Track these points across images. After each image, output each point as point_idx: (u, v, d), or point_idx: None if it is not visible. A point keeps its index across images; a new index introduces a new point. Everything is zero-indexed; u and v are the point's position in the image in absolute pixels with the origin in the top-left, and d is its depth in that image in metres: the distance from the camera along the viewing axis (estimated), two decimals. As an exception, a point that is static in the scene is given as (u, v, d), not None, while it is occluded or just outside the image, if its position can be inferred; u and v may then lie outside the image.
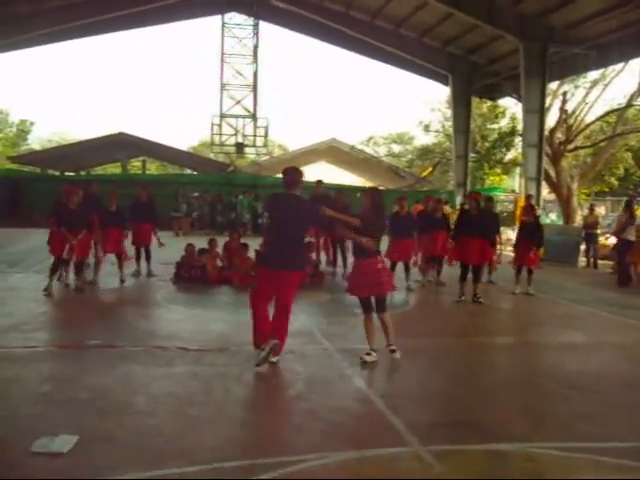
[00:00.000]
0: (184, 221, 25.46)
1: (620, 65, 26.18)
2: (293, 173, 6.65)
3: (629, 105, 28.36)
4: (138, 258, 12.60)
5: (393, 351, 6.78)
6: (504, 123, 36.04)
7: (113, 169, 44.84)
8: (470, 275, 10.71)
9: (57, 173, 36.85)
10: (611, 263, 16.74)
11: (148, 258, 12.63)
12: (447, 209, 21.57)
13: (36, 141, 58.77)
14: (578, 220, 25.61)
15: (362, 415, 5.13)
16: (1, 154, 47.32)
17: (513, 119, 34.33)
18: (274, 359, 6.27)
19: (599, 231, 18.39)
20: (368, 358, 6.60)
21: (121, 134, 34.57)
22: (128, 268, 12.14)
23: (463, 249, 10.75)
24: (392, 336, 6.80)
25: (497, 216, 13.21)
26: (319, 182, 14.76)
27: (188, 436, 4.48)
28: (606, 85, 28.25)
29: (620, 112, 28.75)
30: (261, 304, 6.45)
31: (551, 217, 29.81)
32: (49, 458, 4.03)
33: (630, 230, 14.05)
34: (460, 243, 10.84)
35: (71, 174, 37.46)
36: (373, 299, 6.76)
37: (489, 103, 34.39)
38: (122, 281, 11.47)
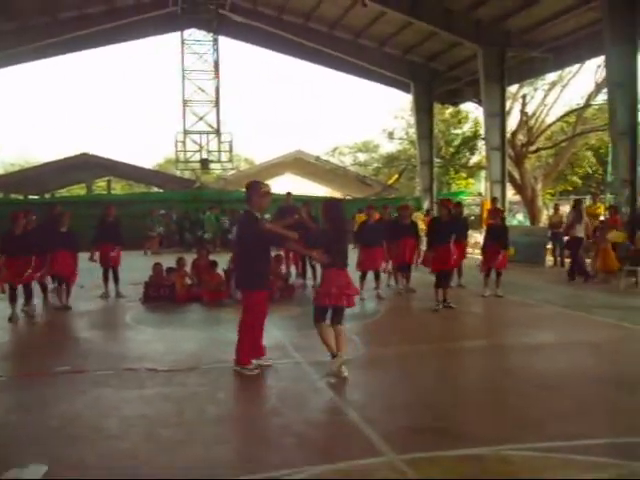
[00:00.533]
0: (152, 240, 25.27)
1: (577, 66, 26.72)
2: (246, 188, 6.79)
3: (587, 105, 28.89)
4: (106, 279, 12.38)
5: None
6: (467, 127, 36.44)
7: (78, 190, 44.31)
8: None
9: (21, 197, 36.32)
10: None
11: (116, 280, 12.42)
12: (419, 216, 21.78)
13: (-1, 166, 57.95)
14: (544, 220, 25.98)
15: (335, 427, 5.12)
16: (-38, 180, 46.48)
17: (476, 123, 34.78)
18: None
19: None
20: (335, 367, 6.46)
21: (84, 155, 34.24)
22: (94, 291, 12.03)
23: (439, 257, 10.75)
24: (343, 348, 6.57)
25: (466, 220, 13.36)
26: (288, 194, 14.73)
27: (161, 458, 4.43)
28: (564, 86, 28.84)
29: (579, 112, 29.30)
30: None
31: (517, 218, 30.19)
32: (19, 490, 3.95)
33: (579, 228, 15.00)
34: (435, 252, 10.84)
35: (35, 197, 36.96)
36: (330, 310, 6.59)
37: (451, 109, 34.77)
38: (67, 308, 10.91)
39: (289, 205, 14.02)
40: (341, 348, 6.51)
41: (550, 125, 30.15)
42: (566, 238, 16.10)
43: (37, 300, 10.75)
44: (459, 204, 13.75)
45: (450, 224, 11.01)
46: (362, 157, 48.72)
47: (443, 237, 10.75)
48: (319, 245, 6.67)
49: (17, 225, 9.96)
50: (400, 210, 13.43)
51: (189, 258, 12.93)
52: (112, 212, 12.76)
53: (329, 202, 7.28)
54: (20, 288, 10.09)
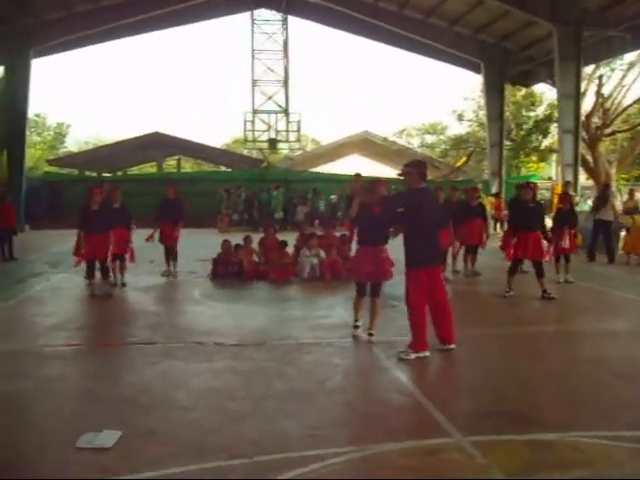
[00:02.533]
0: (221, 218, 25.70)
1: (657, 46, 25.62)
2: (425, 166, 6.86)
3: (668, 86, 27.77)
4: (168, 258, 12.37)
5: (370, 335, 7.02)
6: (541, 110, 35.48)
7: (149, 168, 45.27)
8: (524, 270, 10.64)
9: (95, 174, 37.38)
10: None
11: (174, 258, 12.42)
12: (490, 199, 21.45)
13: (73, 144, 59.70)
14: (618, 206, 25.15)
15: (401, 407, 5.11)
16: (40, 157, 48.11)
17: (551, 106, 33.78)
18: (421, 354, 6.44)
19: (640, 216, 17.97)
20: (356, 332, 7.11)
21: (156, 134, 34.91)
22: (164, 266, 12.26)
23: (522, 244, 10.10)
24: (375, 322, 7.07)
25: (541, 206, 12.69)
26: (357, 176, 14.53)
27: (228, 430, 4.52)
28: (643, 67, 27.69)
29: (659, 94, 28.16)
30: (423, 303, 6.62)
31: (589, 204, 29.32)
32: (94, 453, 4.09)
33: (604, 212, 15.33)
34: (519, 238, 10.19)
35: (108, 175, 37.98)
36: (369, 284, 7.06)
37: (523, 91, 33.93)
38: (123, 284, 10.96)
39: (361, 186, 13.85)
40: (372, 322, 7.13)
41: (627, 107, 29.09)
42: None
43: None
44: (534, 185, 13.45)
45: (536, 210, 10.39)
46: (430, 139, 48.09)
47: (528, 223, 10.12)
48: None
49: (93, 201, 9.99)
50: (468, 192, 13.31)
51: (257, 237, 13.07)
52: (172, 190, 12.72)
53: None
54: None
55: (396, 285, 7.32)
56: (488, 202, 23.83)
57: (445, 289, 6.85)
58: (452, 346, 6.60)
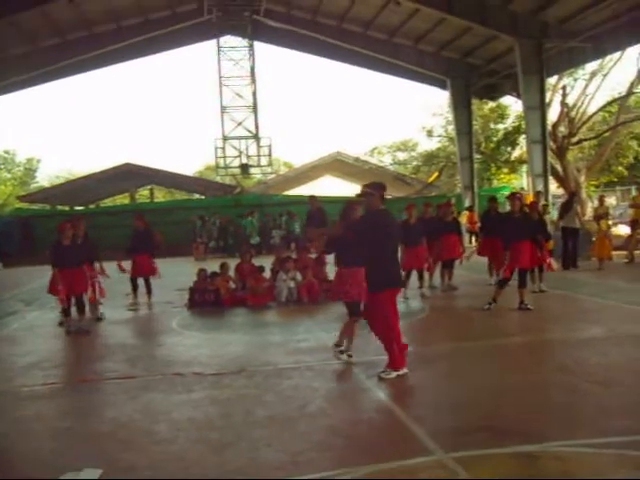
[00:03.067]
0: (196, 246, 25.63)
1: (617, 54, 26.17)
2: (385, 187, 6.84)
3: (630, 93, 28.34)
4: (135, 290, 12.23)
5: (337, 347, 7.08)
6: (510, 122, 35.94)
7: (122, 200, 45.10)
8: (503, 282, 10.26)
9: (67, 208, 37.12)
10: (625, 253, 16.69)
11: (149, 291, 12.32)
12: (464, 213, 21.61)
13: (44, 178, 59.28)
14: (588, 212, 25.48)
15: (383, 427, 5.10)
16: (10, 194, 47.70)
17: (519, 118, 34.26)
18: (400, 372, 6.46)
19: (611, 222, 18.26)
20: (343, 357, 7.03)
21: (127, 164, 34.84)
22: (141, 298, 12.16)
23: (516, 255, 10.04)
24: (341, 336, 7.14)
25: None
26: (312, 198, 14.53)
27: (210, 461, 4.47)
28: (605, 75, 28.32)
29: (621, 101, 28.70)
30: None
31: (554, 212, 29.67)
32: (74, 494, 4.03)
33: (569, 219, 15.81)
34: (512, 249, 10.06)
35: (80, 208, 37.74)
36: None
37: (490, 104, 34.38)
38: (98, 319, 10.72)
39: (317, 208, 13.94)
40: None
41: (592, 115, 29.60)
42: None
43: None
44: (494, 199, 13.63)
45: (524, 220, 10.32)
46: (401, 156, 48.57)
47: (518, 234, 10.07)
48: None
49: (65, 235, 9.79)
50: (442, 207, 13.46)
51: (233, 263, 13.03)
52: (142, 222, 12.60)
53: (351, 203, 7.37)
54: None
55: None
56: (464, 216, 24.05)
57: (389, 314, 6.61)
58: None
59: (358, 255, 6.80)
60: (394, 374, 6.34)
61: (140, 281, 12.39)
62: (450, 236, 12.71)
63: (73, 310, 9.91)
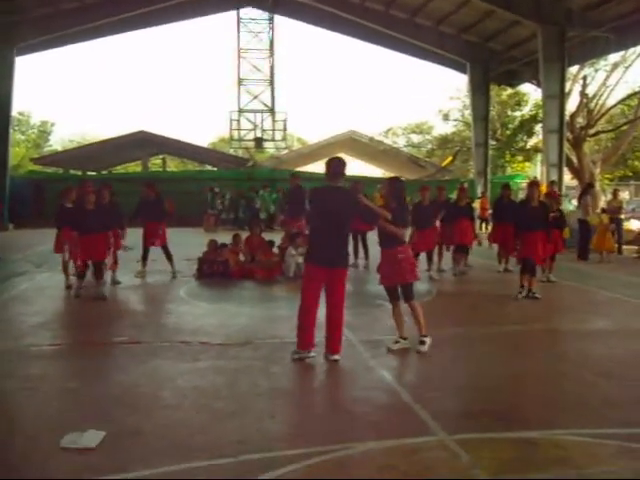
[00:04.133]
0: (207, 217, 25.65)
1: (641, 47, 25.83)
2: (337, 164, 6.46)
3: (651, 87, 27.98)
4: (145, 258, 12.01)
5: (422, 342, 6.67)
6: (527, 110, 35.66)
7: (134, 167, 45.11)
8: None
9: (79, 173, 37.17)
10: (636, 248, 16.64)
11: (169, 257, 12.08)
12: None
13: (58, 142, 59.40)
14: (602, 205, 25.34)
15: (387, 405, 5.13)
16: (24, 156, 47.79)
17: (537, 106, 33.98)
18: (336, 357, 6.25)
19: (623, 216, 18.17)
20: (394, 346, 6.66)
21: (141, 132, 34.77)
22: (150, 265, 12.17)
23: (529, 245, 9.89)
24: (423, 326, 6.75)
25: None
26: (294, 176, 14.38)
27: (214, 429, 4.52)
28: (627, 67, 27.97)
29: (642, 94, 28.38)
30: (310, 301, 6.32)
31: (574, 203, 29.53)
32: (78, 453, 4.07)
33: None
34: (525, 238, 9.94)
35: (93, 173, 37.79)
36: (400, 288, 6.79)
37: (509, 90, 34.09)
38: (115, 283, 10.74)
39: (296, 186, 13.87)
40: (419, 326, 6.79)
41: (611, 108, 29.32)
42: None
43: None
44: (507, 186, 13.59)
45: (540, 210, 10.09)
46: (416, 138, 48.24)
47: (531, 223, 9.83)
48: (403, 223, 6.79)
49: (88, 200, 9.69)
50: (458, 192, 13.44)
51: (243, 236, 13.06)
52: (152, 191, 12.26)
53: (395, 181, 7.30)
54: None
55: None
56: (478, 202, 24.03)
57: (343, 296, 6.43)
58: (336, 357, 6.22)
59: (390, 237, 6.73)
60: (297, 356, 6.23)
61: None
62: (463, 221, 12.71)
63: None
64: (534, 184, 10.55)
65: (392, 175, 40.83)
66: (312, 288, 6.29)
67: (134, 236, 11.80)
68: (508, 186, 13.76)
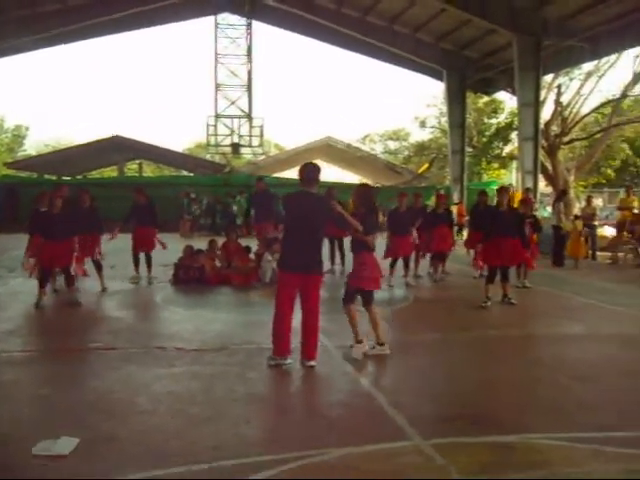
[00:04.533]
0: (183, 223, 25.51)
1: (614, 56, 26.23)
2: (311, 170, 6.42)
3: (624, 96, 28.43)
4: (137, 264, 12.05)
5: (373, 347, 6.73)
6: (503, 118, 36.00)
7: (110, 172, 44.80)
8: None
9: (54, 178, 36.80)
10: (609, 254, 16.85)
11: (149, 265, 12.06)
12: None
13: (32, 146, 58.83)
14: (576, 212, 25.64)
15: (363, 411, 5.12)
16: (-2, 160, 47.24)
17: (512, 114, 34.31)
18: (312, 363, 6.23)
19: (597, 223, 18.40)
20: (355, 353, 6.63)
21: (117, 137, 34.54)
22: (124, 271, 12.09)
23: (494, 250, 9.84)
24: (379, 333, 6.76)
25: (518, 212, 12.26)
26: (260, 180, 14.27)
27: (190, 434, 4.48)
28: (600, 77, 28.37)
29: (615, 103, 28.80)
30: (285, 308, 6.30)
31: (548, 210, 29.85)
32: (51, 461, 4.01)
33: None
34: (490, 244, 9.92)
35: (68, 178, 37.44)
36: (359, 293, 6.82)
37: (485, 98, 34.40)
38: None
39: (263, 191, 13.71)
40: (376, 333, 6.77)
41: (585, 116, 29.71)
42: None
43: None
44: (484, 193, 13.70)
45: (510, 215, 10.03)
46: (393, 145, 48.53)
47: (501, 229, 9.79)
48: (372, 229, 6.74)
49: (54, 205, 9.41)
50: (436, 199, 13.50)
51: (220, 242, 13.01)
52: (143, 195, 12.26)
53: (364, 187, 7.30)
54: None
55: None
56: (455, 209, 24.17)
57: (318, 302, 6.40)
58: (312, 363, 6.20)
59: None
60: (273, 362, 6.21)
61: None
62: (442, 228, 12.76)
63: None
64: (503, 189, 10.56)
65: (368, 181, 40.99)
66: (286, 295, 6.28)
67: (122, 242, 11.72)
68: (485, 193, 13.86)
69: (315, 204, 6.37)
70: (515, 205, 11.85)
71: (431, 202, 16.28)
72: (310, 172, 6.40)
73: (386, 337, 6.88)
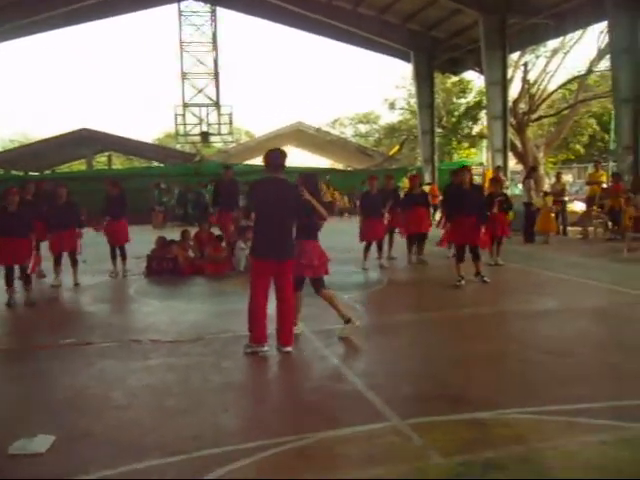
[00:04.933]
0: (155, 214, 25.33)
1: (579, 33, 26.42)
2: (277, 156, 6.38)
3: (589, 72, 28.62)
4: (114, 257, 11.89)
5: (347, 321, 6.82)
6: (471, 97, 36.13)
7: (78, 166, 44.23)
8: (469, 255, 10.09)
9: (21, 173, 36.26)
10: (580, 229, 17.06)
11: (124, 257, 11.92)
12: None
13: (-3, 142, 57.80)
14: (546, 189, 25.90)
15: (340, 394, 5.14)
16: (-38, 157, 46.34)
17: (481, 93, 34.44)
18: (288, 349, 6.25)
19: (567, 198, 18.61)
20: (342, 332, 6.76)
21: (84, 130, 34.08)
22: (96, 265, 11.98)
23: (459, 229, 9.93)
24: (341, 311, 6.85)
25: (482, 190, 12.13)
26: (227, 169, 14.08)
27: (167, 427, 4.47)
28: (566, 53, 28.55)
29: (581, 79, 29.02)
30: (259, 296, 6.28)
31: (519, 187, 30.10)
32: (27, 459, 3.99)
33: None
34: (455, 223, 10.01)
35: (35, 174, 36.90)
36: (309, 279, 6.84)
37: (453, 78, 34.48)
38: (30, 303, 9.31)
39: (230, 180, 13.45)
40: (337, 311, 6.86)
41: (552, 93, 29.91)
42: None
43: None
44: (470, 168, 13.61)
45: (472, 194, 10.03)
46: (363, 128, 48.52)
47: (464, 208, 9.80)
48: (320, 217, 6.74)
49: (8, 202, 9.16)
50: (411, 180, 13.38)
51: (192, 232, 12.94)
52: (116, 187, 12.13)
53: (308, 176, 7.13)
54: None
55: (331, 274, 7.30)
56: (427, 189, 24.24)
57: (291, 288, 6.42)
58: (288, 349, 6.23)
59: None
60: (249, 350, 6.20)
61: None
62: (418, 209, 12.55)
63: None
64: (465, 169, 10.57)
65: (340, 166, 41.01)
66: (260, 282, 6.28)
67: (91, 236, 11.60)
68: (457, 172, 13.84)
69: (283, 190, 6.34)
70: (486, 184, 11.89)
71: (403, 184, 16.23)
72: (276, 158, 6.38)
73: (348, 311, 6.94)
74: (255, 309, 6.25)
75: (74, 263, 10.93)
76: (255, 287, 6.28)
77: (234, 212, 12.18)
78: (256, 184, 6.57)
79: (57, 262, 10.85)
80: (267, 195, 6.34)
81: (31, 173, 36.48)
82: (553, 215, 16.22)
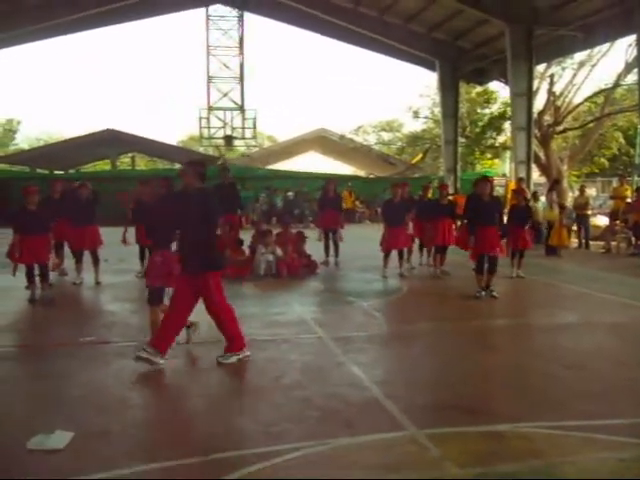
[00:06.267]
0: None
1: (606, 46, 26.19)
2: (193, 167, 6.21)
3: (616, 85, 28.37)
4: (142, 258, 11.45)
5: (142, 352, 5.95)
6: (495, 108, 35.96)
7: (102, 166, 44.61)
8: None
9: (46, 172, 36.64)
10: (602, 243, 16.90)
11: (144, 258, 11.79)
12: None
13: (24, 140, 58.51)
14: (569, 202, 25.69)
15: (357, 402, 5.13)
16: (-11, 154, 46.98)
17: (505, 104, 34.24)
18: (241, 355, 6.15)
19: (590, 212, 18.44)
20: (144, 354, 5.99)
21: (109, 130, 34.34)
22: (118, 265, 12.03)
23: (480, 239, 9.67)
24: (155, 335, 6.25)
25: (501, 201, 11.94)
26: (225, 170, 13.83)
27: (183, 428, 4.49)
28: (593, 66, 28.26)
29: (608, 92, 28.77)
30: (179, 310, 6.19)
31: (542, 200, 29.86)
32: (45, 455, 4.01)
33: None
34: (477, 234, 9.70)
35: (60, 172, 37.27)
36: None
37: (478, 88, 34.35)
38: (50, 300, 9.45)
39: (229, 183, 13.01)
40: (151, 329, 6.47)
41: (578, 105, 29.67)
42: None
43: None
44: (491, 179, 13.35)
45: (492, 205, 9.89)
46: (386, 136, 48.39)
47: (484, 219, 9.64)
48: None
49: (29, 201, 9.33)
50: (439, 190, 13.07)
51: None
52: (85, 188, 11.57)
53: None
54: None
55: (351, 281, 7.30)
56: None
57: (215, 298, 6.25)
58: (141, 354, 5.87)
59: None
60: (234, 358, 6.10)
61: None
62: (444, 220, 12.15)
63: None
64: (485, 179, 10.43)
65: (362, 173, 40.84)
66: (180, 296, 6.16)
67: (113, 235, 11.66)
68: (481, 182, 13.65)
69: (192, 201, 6.07)
70: (508, 195, 11.78)
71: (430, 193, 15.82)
72: (193, 168, 6.18)
73: (159, 343, 6.06)
74: (175, 319, 6.18)
75: (95, 262, 11.04)
76: (175, 300, 6.24)
77: (238, 215, 12.27)
78: (175, 197, 6.44)
79: (78, 260, 10.96)
80: (180, 207, 6.20)
81: (56, 172, 36.85)
82: (565, 228, 15.98)
